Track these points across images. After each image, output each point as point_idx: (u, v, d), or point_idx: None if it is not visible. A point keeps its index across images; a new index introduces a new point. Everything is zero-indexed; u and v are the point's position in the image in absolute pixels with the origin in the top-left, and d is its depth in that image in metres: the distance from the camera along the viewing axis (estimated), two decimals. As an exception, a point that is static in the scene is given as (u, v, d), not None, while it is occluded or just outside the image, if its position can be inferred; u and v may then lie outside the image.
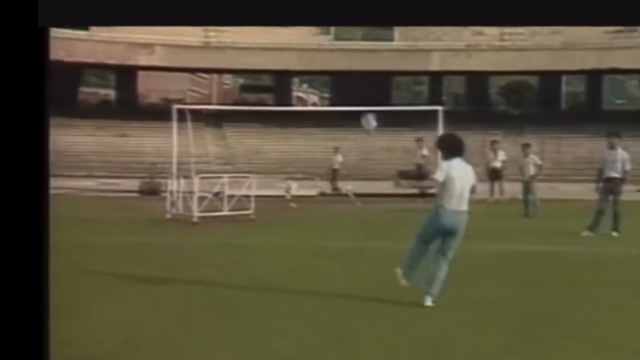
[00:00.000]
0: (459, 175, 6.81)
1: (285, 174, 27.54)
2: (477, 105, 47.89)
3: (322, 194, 24.11)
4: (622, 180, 13.29)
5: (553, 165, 37.88)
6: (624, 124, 42.42)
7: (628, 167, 13.25)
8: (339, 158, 27.06)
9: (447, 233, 6.82)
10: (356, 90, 45.34)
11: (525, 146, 19.01)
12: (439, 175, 6.80)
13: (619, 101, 70.67)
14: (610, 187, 13.23)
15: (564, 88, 55.74)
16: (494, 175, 22.00)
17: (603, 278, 9.07)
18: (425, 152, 23.93)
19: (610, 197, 13.26)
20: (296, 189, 21.12)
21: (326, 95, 74.38)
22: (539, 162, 18.05)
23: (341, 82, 50.43)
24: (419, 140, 24.73)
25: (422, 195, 22.90)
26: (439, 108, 25.84)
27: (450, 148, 7.02)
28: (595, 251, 11.38)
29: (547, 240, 12.75)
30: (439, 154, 7.40)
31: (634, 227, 13.78)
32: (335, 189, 25.58)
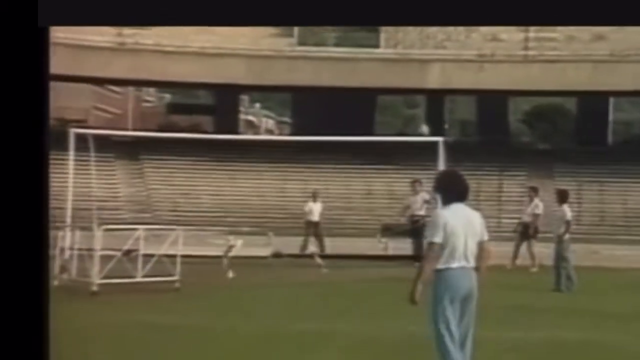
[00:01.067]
0: (462, 224, 6.95)
1: (226, 226, 27.46)
2: (492, 136, 48.61)
3: (277, 255, 24.02)
4: None
5: (594, 220, 38.45)
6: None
7: None
8: (318, 207, 26.80)
9: (464, 300, 7.00)
10: (326, 112, 45.79)
11: (561, 194, 19.10)
12: (434, 236, 6.92)
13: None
14: None
15: (612, 114, 56.80)
16: (523, 232, 22.10)
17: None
18: (425, 196, 24.02)
19: None
20: (240, 247, 20.98)
21: (286, 119, 74.94)
22: (569, 216, 18.02)
23: (306, 102, 50.84)
24: (414, 182, 24.86)
25: (417, 258, 22.92)
26: (439, 139, 26.18)
27: (450, 189, 7.19)
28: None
29: (585, 325, 12.76)
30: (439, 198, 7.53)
31: None
32: (314, 249, 25.50)
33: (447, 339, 6.98)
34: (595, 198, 40.29)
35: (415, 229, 23.65)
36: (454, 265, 6.96)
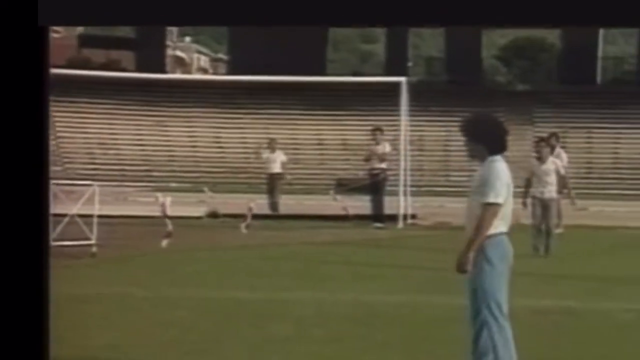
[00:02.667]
0: (508, 182, 7.18)
1: (151, 182, 27.37)
2: (462, 76, 48.84)
3: (213, 215, 24.05)
4: None
5: (580, 173, 38.89)
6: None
7: None
8: (282, 156, 26.87)
9: (510, 268, 7.24)
10: (268, 48, 45.60)
11: (548, 140, 19.10)
12: (497, 196, 6.99)
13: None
14: None
15: (602, 49, 57.15)
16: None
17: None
18: (387, 147, 24.10)
19: None
20: (169, 205, 20.94)
21: (221, 55, 74.48)
22: (562, 168, 17.97)
23: (245, 36, 50.47)
24: (375, 130, 24.94)
25: (378, 217, 23.11)
26: (402, 79, 26.17)
27: (499, 138, 7.22)
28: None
29: (565, 292, 12.97)
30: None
31: None
32: (274, 205, 25.59)
33: (502, 309, 7.04)
34: (582, 147, 40.73)
35: (376, 184, 23.79)
36: (504, 229, 7.11)
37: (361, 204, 24.25)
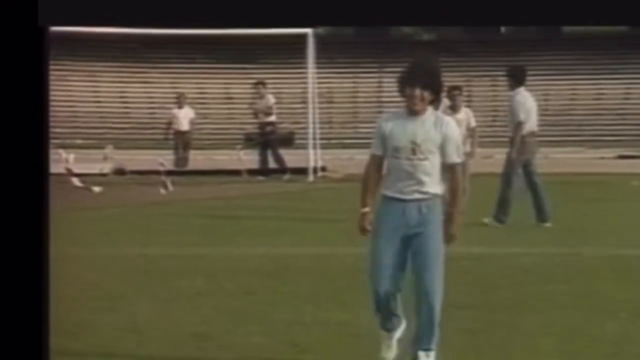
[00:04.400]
0: None
1: (53, 138, 26.90)
2: (368, 28, 48.83)
3: (119, 172, 23.76)
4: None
5: (486, 121, 39.28)
6: (588, 50, 44.62)
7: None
8: (189, 112, 26.39)
9: None
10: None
11: (454, 91, 16.94)
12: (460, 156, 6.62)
13: None
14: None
15: None
16: None
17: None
18: (270, 102, 24.02)
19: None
20: (72, 163, 20.65)
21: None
22: (473, 122, 16.41)
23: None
24: (258, 84, 24.89)
25: (283, 170, 23.13)
26: (309, 31, 26.00)
27: (441, 88, 6.72)
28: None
29: (472, 239, 13.16)
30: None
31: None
32: (181, 162, 25.25)
33: None
34: (488, 95, 41.17)
35: (266, 138, 23.77)
36: None
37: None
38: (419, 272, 6.47)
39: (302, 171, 23.37)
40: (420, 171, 6.43)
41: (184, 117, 26.18)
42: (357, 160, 26.41)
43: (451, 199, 6.58)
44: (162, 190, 19.43)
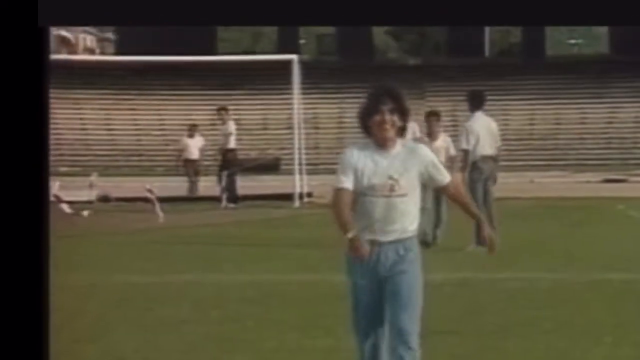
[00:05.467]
0: None
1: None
2: (353, 54, 48.98)
3: (103, 199, 23.76)
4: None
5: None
6: (572, 74, 44.70)
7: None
8: (199, 141, 26.94)
9: None
10: (158, 27, 45.09)
11: (431, 117, 16.11)
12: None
13: (572, 41, 74.65)
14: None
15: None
16: None
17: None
18: (230, 128, 24.11)
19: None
20: (58, 189, 20.63)
21: (109, 35, 73.39)
22: (453, 150, 15.57)
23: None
24: (220, 110, 25.07)
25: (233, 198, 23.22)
26: (294, 57, 26.16)
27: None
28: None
29: (459, 265, 13.17)
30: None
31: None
32: (193, 189, 25.60)
33: None
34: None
35: (227, 164, 23.86)
36: None
37: (255, 184, 24.22)
38: (395, 312, 5.95)
39: (288, 197, 23.38)
40: (399, 209, 5.89)
41: (194, 145, 26.90)
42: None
43: (466, 210, 6.18)
44: (160, 219, 19.46)
